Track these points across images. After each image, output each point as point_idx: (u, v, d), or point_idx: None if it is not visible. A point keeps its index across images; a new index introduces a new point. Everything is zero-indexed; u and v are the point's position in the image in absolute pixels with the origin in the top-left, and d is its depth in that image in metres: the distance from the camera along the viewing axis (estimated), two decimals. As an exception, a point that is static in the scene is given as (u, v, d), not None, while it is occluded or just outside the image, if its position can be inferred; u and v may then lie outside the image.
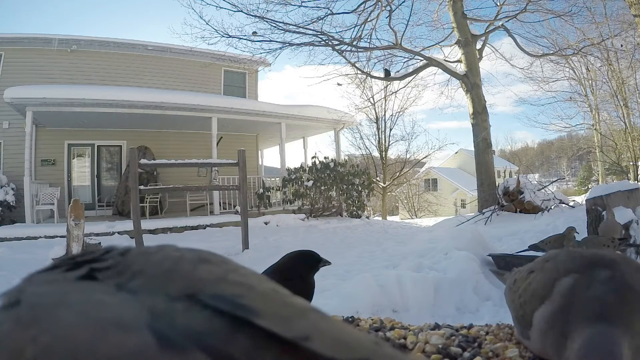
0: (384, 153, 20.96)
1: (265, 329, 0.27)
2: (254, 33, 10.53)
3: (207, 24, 10.51)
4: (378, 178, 20.00)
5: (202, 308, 0.29)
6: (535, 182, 9.36)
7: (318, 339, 0.28)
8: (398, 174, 21.74)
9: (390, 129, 20.87)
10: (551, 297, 0.63)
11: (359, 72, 12.31)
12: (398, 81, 13.33)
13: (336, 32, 11.09)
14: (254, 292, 0.32)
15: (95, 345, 0.25)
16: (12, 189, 9.61)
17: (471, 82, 10.35)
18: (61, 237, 6.60)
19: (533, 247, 3.68)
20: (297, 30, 10.84)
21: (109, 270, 0.34)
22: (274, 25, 10.67)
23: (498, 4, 11.32)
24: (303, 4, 10.66)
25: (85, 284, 0.33)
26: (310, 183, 10.97)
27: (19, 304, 0.31)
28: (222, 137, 11.42)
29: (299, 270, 1.04)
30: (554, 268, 0.67)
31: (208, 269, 0.34)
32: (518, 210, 8.18)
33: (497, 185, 9.43)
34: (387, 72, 11.65)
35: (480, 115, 10.27)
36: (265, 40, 10.82)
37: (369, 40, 11.23)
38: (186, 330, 0.27)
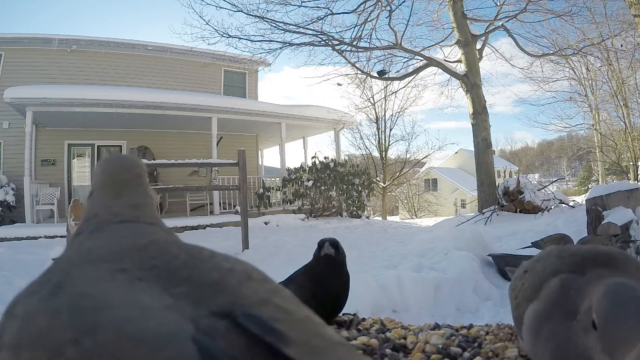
0: (384, 153, 20.95)
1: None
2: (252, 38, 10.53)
3: (207, 23, 10.52)
4: (378, 178, 19.99)
5: (241, 330, 0.29)
6: (535, 182, 9.36)
7: None
8: (398, 174, 21.73)
9: (390, 129, 20.89)
10: (538, 298, 0.62)
11: (359, 72, 12.31)
12: (398, 81, 13.33)
13: (336, 32, 11.09)
14: (290, 317, 0.32)
15: (136, 357, 0.25)
16: (12, 189, 9.61)
17: (471, 82, 10.35)
18: (61, 237, 6.60)
19: (535, 245, 3.68)
20: (297, 30, 10.84)
21: (157, 270, 0.34)
22: (274, 25, 10.68)
23: (498, 4, 11.32)
24: (303, 4, 10.67)
25: (132, 284, 0.32)
26: (310, 183, 10.97)
27: (57, 297, 0.30)
28: (222, 137, 11.42)
29: (328, 266, 1.00)
30: (542, 269, 0.65)
31: (253, 287, 0.34)
32: (518, 210, 8.18)
33: (497, 185, 9.43)
34: (382, 72, 11.62)
35: (480, 115, 10.26)
36: (265, 40, 10.83)
37: (369, 40, 11.23)
38: (226, 351, 0.27)
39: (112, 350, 0.25)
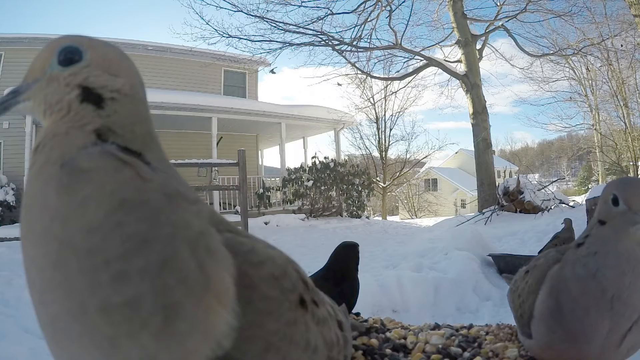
0: (384, 153, 20.95)
1: None
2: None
3: (207, 23, 10.53)
4: (378, 178, 19.98)
5: None
6: (535, 182, 9.36)
7: None
8: (398, 174, 21.72)
9: (390, 129, 20.88)
10: (544, 284, 0.68)
11: (359, 72, 12.31)
12: (398, 81, 13.34)
13: (336, 32, 11.11)
14: None
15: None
16: (12, 189, 9.60)
17: (471, 82, 10.34)
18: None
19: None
20: (297, 30, 10.84)
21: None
22: (274, 25, 10.69)
23: (498, 4, 11.33)
24: (303, 4, 10.67)
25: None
26: (310, 183, 10.97)
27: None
28: (222, 137, 11.42)
29: (348, 264, 1.14)
30: (545, 262, 0.71)
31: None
32: (518, 210, 8.18)
33: (497, 185, 9.43)
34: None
35: (480, 116, 10.26)
36: (265, 40, 10.83)
37: (369, 40, 11.24)
38: None
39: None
